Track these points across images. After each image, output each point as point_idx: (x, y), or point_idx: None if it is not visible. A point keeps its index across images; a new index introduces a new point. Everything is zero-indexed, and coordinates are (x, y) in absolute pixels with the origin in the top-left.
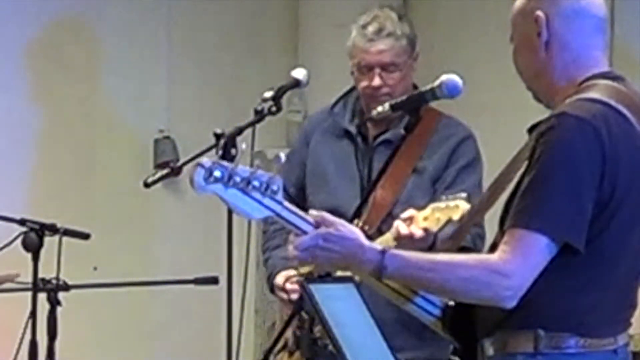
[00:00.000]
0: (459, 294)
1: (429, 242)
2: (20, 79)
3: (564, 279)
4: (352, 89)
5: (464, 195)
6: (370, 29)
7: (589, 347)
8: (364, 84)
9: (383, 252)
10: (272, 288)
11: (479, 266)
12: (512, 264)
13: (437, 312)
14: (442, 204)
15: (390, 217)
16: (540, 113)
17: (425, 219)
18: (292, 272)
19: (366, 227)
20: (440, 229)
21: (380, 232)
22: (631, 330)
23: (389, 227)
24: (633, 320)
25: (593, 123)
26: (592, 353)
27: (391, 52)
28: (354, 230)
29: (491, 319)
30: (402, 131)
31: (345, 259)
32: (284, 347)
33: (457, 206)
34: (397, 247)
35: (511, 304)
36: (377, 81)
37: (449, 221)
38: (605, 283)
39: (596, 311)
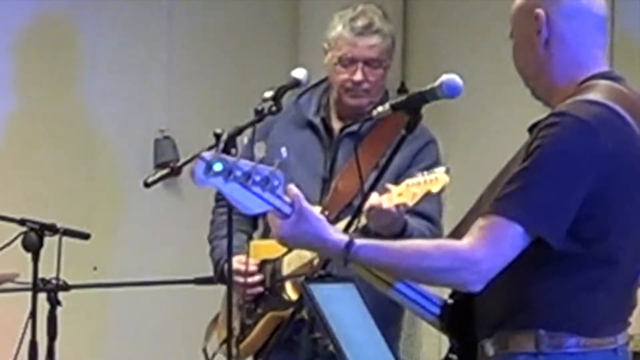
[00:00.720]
0: (425, 281)
1: (400, 224)
2: (19, 79)
3: (565, 279)
4: (321, 81)
5: (442, 168)
6: (360, 23)
7: (590, 346)
8: (343, 77)
9: (348, 245)
10: (220, 276)
11: (447, 257)
12: (481, 250)
13: (436, 310)
14: (418, 179)
15: (350, 207)
16: (540, 112)
17: (400, 194)
18: (242, 257)
19: (326, 213)
20: (417, 203)
21: (338, 220)
22: (631, 331)
23: (347, 216)
24: (633, 320)
25: (592, 125)
26: (593, 352)
27: (378, 48)
28: (318, 220)
29: (492, 320)
30: (402, 131)
31: (311, 247)
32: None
33: (437, 178)
34: (367, 222)
35: (477, 288)
36: (359, 75)
37: (428, 194)
38: (606, 283)
39: (597, 311)
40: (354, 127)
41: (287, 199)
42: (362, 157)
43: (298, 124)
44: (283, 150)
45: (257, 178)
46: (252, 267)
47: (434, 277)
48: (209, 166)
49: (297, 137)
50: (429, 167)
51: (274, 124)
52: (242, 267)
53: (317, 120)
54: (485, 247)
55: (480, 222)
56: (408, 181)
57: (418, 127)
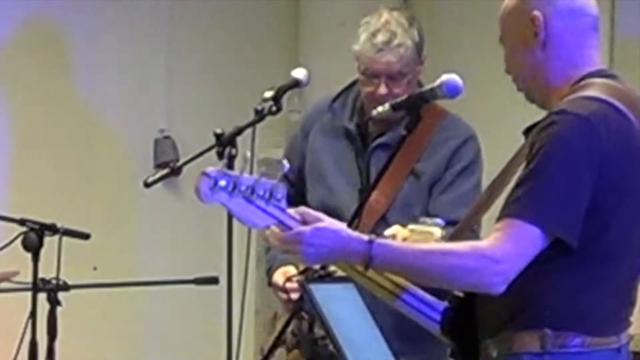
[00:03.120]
0: (447, 281)
1: None
2: (20, 79)
3: (568, 277)
4: (353, 83)
5: (440, 222)
6: (380, 37)
7: (594, 345)
8: (368, 89)
9: (370, 241)
10: (270, 281)
11: (469, 253)
12: (502, 249)
13: (434, 314)
14: (421, 227)
15: (384, 221)
16: (539, 113)
17: (404, 239)
18: (291, 268)
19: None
20: None
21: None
22: (632, 330)
23: (382, 231)
24: (633, 320)
25: (592, 121)
26: (597, 352)
27: (400, 63)
28: (335, 222)
29: (495, 320)
30: (402, 132)
31: (333, 251)
32: (283, 342)
33: (432, 233)
34: None
35: (500, 289)
36: (383, 90)
37: None
38: (608, 281)
39: (600, 309)
40: (385, 139)
41: (291, 212)
42: (396, 165)
43: (334, 130)
44: (285, 162)
45: (261, 192)
46: (294, 284)
47: (456, 277)
48: (214, 182)
49: (335, 146)
50: (465, 168)
51: (311, 127)
52: (287, 284)
53: (352, 127)
54: (506, 247)
55: (497, 225)
56: (411, 226)
57: (455, 123)
